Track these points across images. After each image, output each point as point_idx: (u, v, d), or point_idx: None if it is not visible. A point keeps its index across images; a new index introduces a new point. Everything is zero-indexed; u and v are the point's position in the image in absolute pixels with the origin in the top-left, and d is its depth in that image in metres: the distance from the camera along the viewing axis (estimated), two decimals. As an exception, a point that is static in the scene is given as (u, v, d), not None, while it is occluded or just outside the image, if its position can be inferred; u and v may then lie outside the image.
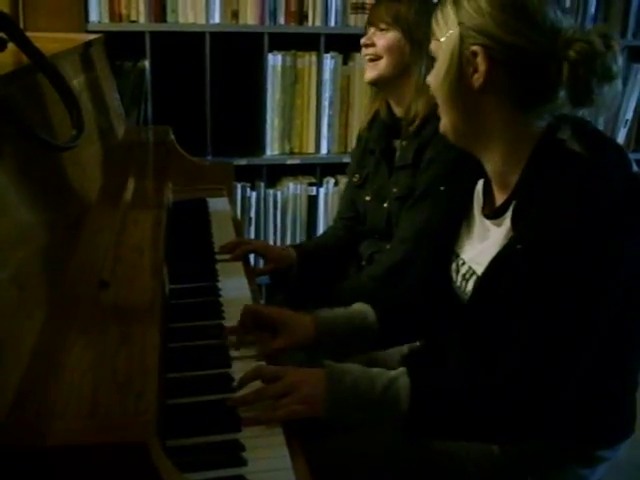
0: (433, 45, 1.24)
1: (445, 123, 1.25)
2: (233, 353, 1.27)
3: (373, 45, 1.82)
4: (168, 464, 0.74)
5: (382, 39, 1.80)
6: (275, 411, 1.07)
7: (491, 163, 1.26)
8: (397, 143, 1.89)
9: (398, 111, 1.87)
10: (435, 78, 1.22)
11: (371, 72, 1.83)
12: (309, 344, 1.36)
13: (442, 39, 1.20)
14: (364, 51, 1.85)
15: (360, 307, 1.43)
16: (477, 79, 1.17)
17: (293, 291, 2.05)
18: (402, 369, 1.15)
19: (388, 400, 1.11)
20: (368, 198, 1.95)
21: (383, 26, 1.80)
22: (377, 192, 1.92)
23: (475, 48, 1.16)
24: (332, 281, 2.09)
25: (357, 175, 2.01)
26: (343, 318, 1.40)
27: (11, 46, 1.08)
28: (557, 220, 1.11)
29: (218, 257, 1.72)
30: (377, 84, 1.87)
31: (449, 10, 1.20)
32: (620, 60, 1.16)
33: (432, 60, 1.26)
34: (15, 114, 0.93)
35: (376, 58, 1.82)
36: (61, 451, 0.70)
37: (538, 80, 1.16)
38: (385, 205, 1.88)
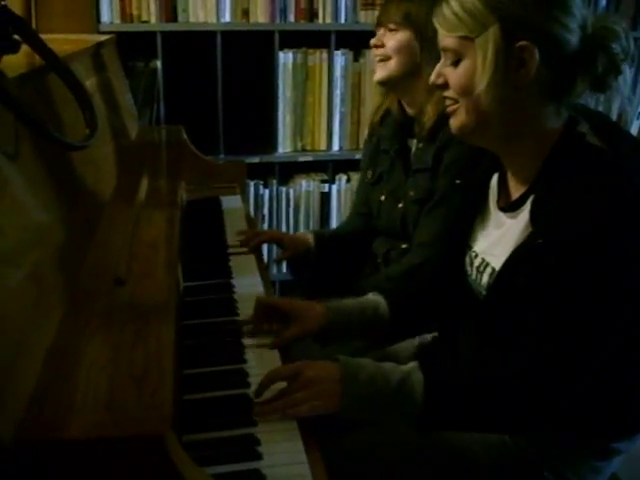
0: (453, 43, 1.19)
1: (469, 122, 1.21)
2: (247, 341, 1.29)
3: (382, 46, 1.78)
4: (185, 457, 0.75)
5: (392, 40, 1.76)
6: (297, 407, 1.07)
7: (512, 157, 1.26)
8: (411, 142, 1.86)
9: (410, 111, 1.84)
10: (477, 78, 1.16)
11: (381, 72, 1.79)
12: (320, 333, 1.36)
13: (475, 36, 1.15)
14: (374, 51, 1.81)
15: (373, 298, 1.44)
16: (524, 75, 1.14)
17: (310, 287, 2.06)
18: (415, 363, 1.15)
19: (402, 395, 1.11)
20: (383, 198, 1.92)
21: (392, 26, 1.75)
22: (392, 192, 1.89)
23: (523, 43, 1.13)
24: (349, 273, 2.10)
25: (370, 172, 1.98)
26: (355, 308, 1.40)
27: (24, 47, 1.09)
28: (580, 215, 1.10)
29: (232, 250, 1.74)
30: (387, 84, 1.83)
31: (476, 4, 1.15)
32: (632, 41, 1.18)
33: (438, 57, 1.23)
34: (30, 114, 0.94)
35: (385, 58, 1.77)
36: (79, 444, 0.71)
37: (572, 70, 1.16)
38: (400, 206, 1.85)
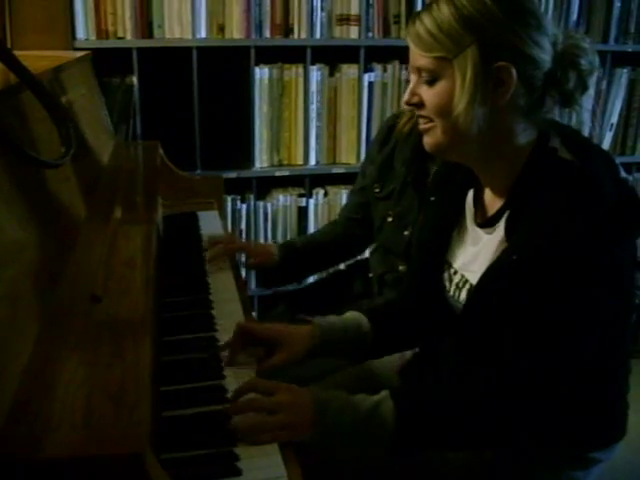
0: (429, 63, 1.18)
1: (444, 141, 1.21)
2: (227, 369, 1.26)
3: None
4: (163, 475, 0.75)
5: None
6: (269, 433, 1.06)
7: (487, 173, 1.26)
8: (431, 167, 1.79)
9: None
10: (455, 98, 1.16)
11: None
12: (305, 356, 1.33)
13: (452, 57, 1.15)
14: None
15: (353, 316, 1.42)
16: (502, 94, 1.15)
17: (293, 303, 2.05)
18: (385, 392, 1.15)
19: (374, 425, 1.11)
20: (390, 219, 1.87)
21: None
22: (400, 216, 1.84)
23: (502, 63, 1.14)
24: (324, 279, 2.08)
25: (377, 186, 1.91)
26: (339, 327, 1.39)
27: (-1, 65, 1.09)
28: (552, 230, 1.11)
29: (209, 266, 1.73)
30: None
31: (453, 24, 1.14)
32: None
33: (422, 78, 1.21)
34: (5, 132, 0.94)
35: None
36: (57, 463, 0.70)
37: (544, 87, 1.18)
38: (406, 233, 1.82)
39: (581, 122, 1.23)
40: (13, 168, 1.04)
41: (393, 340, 1.49)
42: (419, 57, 1.20)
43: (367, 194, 1.96)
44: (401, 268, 1.84)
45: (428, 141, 1.24)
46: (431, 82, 1.19)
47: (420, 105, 1.22)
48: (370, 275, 1.95)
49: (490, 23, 1.14)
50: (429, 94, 1.20)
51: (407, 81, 1.75)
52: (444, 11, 1.16)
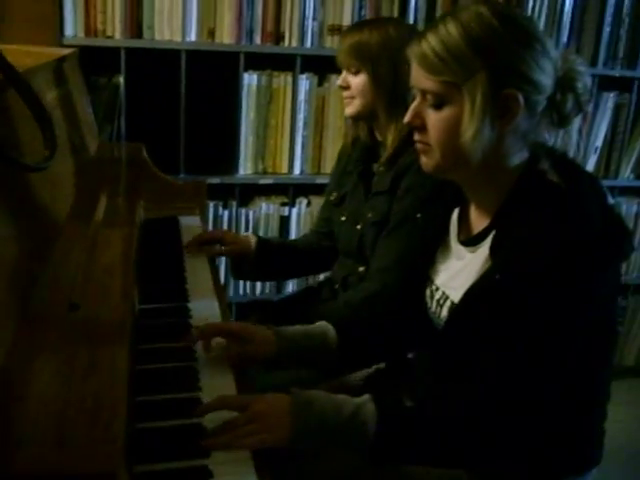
0: (436, 87, 1.15)
1: (444, 164, 1.20)
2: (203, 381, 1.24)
3: (348, 87, 1.84)
4: (136, 495, 0.73)
5: (354, 81, 1.82)
6: (243, 439, 1.06)
7: (477, 192, 1.26)
8: (375, 167, 1.90)
9: (379, 135, 1.89)
10: (463, 125, 1.14)
11: (349, 110, 1.87)
12: (270, 358, 1.34)
13: (462, 83, 1.13)
14: (344, 92, 1.87)
15: (321, 325, 1.42)
16: (508, 121, 1.14)
17: (266, 313, 2.05)
18: (367, 396, 1.14)
19: (354, 427, 1.10)
20: (343, 218, 1.96)
21: (353, 69, 1.82)
22: (352, 214, 1.93)
23: (510, 91, 1.12)
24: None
25: (335, 193, 2.02)
26: (303, 336, 1.38)
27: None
28: (535, 252, 1.11)
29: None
30: (357, 118, 1.90)
31: (462, 47, 1.12)
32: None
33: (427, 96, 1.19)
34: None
35: (351, 97, 1.84)
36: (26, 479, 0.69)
37: (544, 111, 1.17)
38: (358, 227, 1.89)
39: (568, 143, 1.23)
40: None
41: (360, 352, 1.47)
42: (425, 80, 1.17)
43: (329, 207, 2.07)
44: (361, 269, 1.88)
45: (426, 162, 1.22)
46: (438, 106, 1.17)
47: (422, 128, 1.20)
48: (335, 287, 1.97)
49: (499, 46, 1.12)
50: (434, 119, 1.17)
51: None
52: (452, 32, 1.13)
